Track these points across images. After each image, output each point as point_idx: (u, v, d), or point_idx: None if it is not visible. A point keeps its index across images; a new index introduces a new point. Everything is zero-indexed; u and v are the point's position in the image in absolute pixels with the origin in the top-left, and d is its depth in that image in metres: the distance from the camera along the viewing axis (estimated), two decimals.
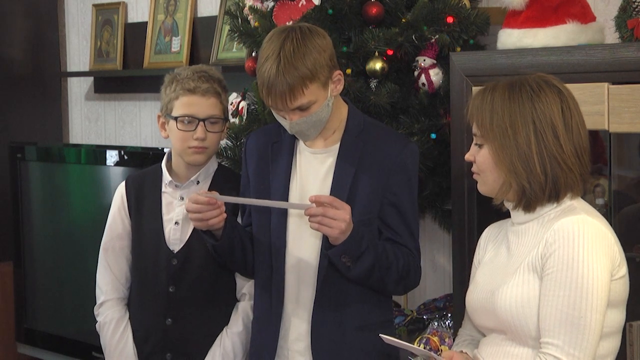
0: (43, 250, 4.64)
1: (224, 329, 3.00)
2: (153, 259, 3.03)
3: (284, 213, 2.77)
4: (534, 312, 2.25)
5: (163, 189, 3.04)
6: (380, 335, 2.41)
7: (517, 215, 2.36)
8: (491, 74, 2.86)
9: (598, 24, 3.01)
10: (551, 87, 2.23)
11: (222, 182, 3.04)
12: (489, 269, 2.46)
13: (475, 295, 2.45)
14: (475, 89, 2.90)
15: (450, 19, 3.20)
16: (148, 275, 3.05)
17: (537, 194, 2.25)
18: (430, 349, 2.64)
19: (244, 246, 2.81)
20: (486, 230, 2.61)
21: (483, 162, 2.33)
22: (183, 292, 3.00)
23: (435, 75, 3.21)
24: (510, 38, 2.99)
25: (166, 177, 3.02)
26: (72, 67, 5.31)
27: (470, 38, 3.29)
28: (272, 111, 2.74)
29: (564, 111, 2.20)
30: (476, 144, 2.34)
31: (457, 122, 3.05)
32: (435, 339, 2.72)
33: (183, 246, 2.99)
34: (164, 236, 3.00)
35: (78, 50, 5.27)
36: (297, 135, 2.75)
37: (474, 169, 2.37)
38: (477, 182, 2.40)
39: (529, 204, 2.28)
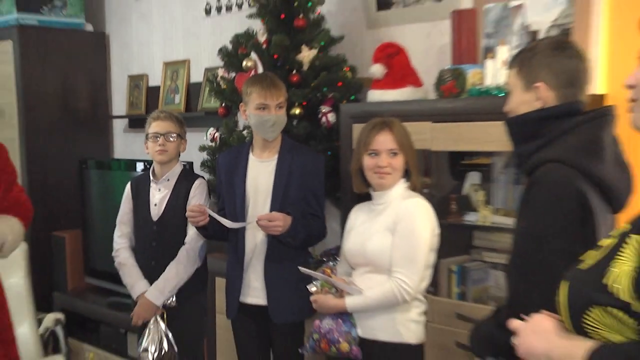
0: (97, 222, 5.30)
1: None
2: (143, 225, 3.65)
3: (242, 204, 3.34)
4: (389, 254, 2.81)
5: (150, 184, 3.66)
6: (299, 267, 3.05)
7: (384, 195, 2.92)
8: (365, 117, 3.29)
9: (424, 88, 3.54)
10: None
11: (183, 179, 3.63)
12: (360, 230, 2.96)
13: (351, 245, 2.97)
14: (354, 126, 3.47)
15: (339, 84, 3.75)
16: (141, 235, 3.68)
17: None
18: (323, 272, 2.98)
19: (218, 231, 3.35)
20: (354, 208, 3.12)
21: (396, 164, 2.87)
22: (160, 245, 3.60)
23: (331, 117, 3.73)
24: (374, 95, 3.54)
25: (151, 176, 3.65)
26: (115, 112, 6.01)
27: (352, 95, 3.81)
28: (259, 115, 3.24)
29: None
30: (394, 155, 2.86)
31: (344, 145, 3.56)
32: (328, 270, 2.99)
33: (158, 218, 3.60)
34: (149, 212, 3.62)
35: (119, 102, 6.00)
36: (269, 130, 3.27)
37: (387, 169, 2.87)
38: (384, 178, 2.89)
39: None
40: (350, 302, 2.80)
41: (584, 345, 1.41)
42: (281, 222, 3.15)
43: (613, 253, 1.44)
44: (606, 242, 1.55)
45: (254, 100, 3.26)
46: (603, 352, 1.37)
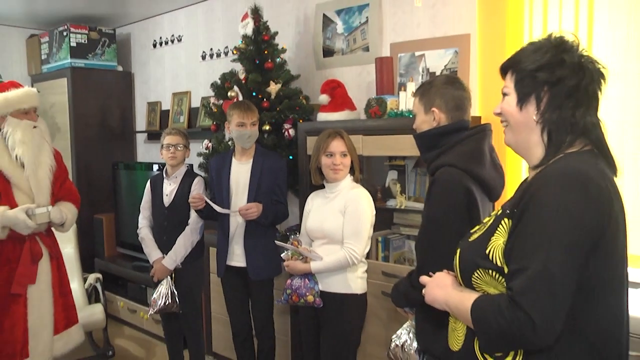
0: (125, 207, 5.25)
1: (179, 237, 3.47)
2: (158, 210, 3.58)
3: (227, 194, 3.30)
4: (341, 230, 2.78)
5: (164, 180, 3.59)
6: (275, 241, 3.07)
7: (335, 185, 2.87)
8: (316, 132, 3.31)
9: (358, 111, 3.55)
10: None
11: (187, 177, 3.55)
12: (317, 213, 2.92)
13: (311, 225, 2.92)
14: (308, 138, 3.44)
15: (297, 108, 3.74)
16: (156, 217, 3.60)
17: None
18: (292, 244, 2.87)
19: (211, 214, 3.32)
20: (310, 195, 3.07)
21: (346, 162, 2.83)
22: (169, 224, 3.53)
23: (292, 132, 3.69)
24: (322, 116, 3.54)
25: (164, 175, 3.59)
26: (138, 128, 5.90)
27: (306, 116, 3.79)
28: (238, 130, 3.21)
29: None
30: (344, 156, 2.82)
31: (301, 151, 3.53)
32: (296, 242, 2.88)
33: (169, 205, 3.53)
34: (162, 200, 3.55)
35: (140, 121, 5.91)
36: (246, 141, 3.24)
37: (340, 166, 2.83)
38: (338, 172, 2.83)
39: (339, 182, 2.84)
40: (314, 265, 2.78)
41: (470, 296, 1.42)
42: (255, 209, 3.17)
43: (491, 230, 1.44)
44: (486, 220, 1.58)
45: (235, 119, 3.24)
46: (483, 299, 1.39)
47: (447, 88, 2.18)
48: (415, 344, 2.25)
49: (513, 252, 1.33)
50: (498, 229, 1.42)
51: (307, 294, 2.77)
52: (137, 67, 5.95)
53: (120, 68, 5.85)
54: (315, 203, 2.98)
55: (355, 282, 2.81)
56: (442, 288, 1.54)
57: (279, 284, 3.56)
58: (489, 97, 3.01)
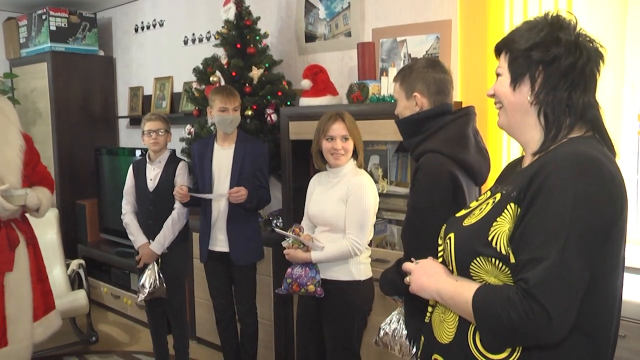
0: (108, 193, 5.17)
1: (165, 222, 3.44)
2: (143, 194, 3.52)
3: (210, 179, 3.27)
4: (342, 219, 2.67)
5: (147, 165, 3.54)
6: (275, 229, 3.00)
7: (338, 170, 2.73)
8: (298, 117, 3.43)
9: (340, 96, 3.56)
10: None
11: (171, 162, 3.51)
12: (319, 198, 2.79)
13: (312, 211, 2.80)
14: (291, 123, 3.45)
15: (280, 93, 3.74)
16: (141, 201, 3.54)
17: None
18: (294, 232, 2.72)
19: (194, 202, 3.31)
20: (314, 177, 2.90)
21: (347, 147, 2.69)
22: (155, 208, 3.49)
23: (274, 117, 3.70)
24: (304, 101, 3.53)
25: (147, 160, 3.54)
26: (120, 114, 5.83)
27: (288, 101, 3.79)
28: (221, 115, 3.18)
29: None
30: (345, 140, 2.68)
31: (283, 136, 3.53)
32: (297, 229, 2.74)
33: (154, 189, 3.49)
34: (147, 185, 3.51)
35: (123, 106, 5.82)
36: (228, 126, 3.22)
37: (341, 151, 2.69)
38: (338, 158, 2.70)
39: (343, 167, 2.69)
40: (315, 255, 2.66)
41: (470, 286, 1.31)
42: (244, 192, 3.16)
43: (494, 214, 1.33)
44: (475, 204, 1.47)
45: (217, 105, 3.21)
46: (486, 290, 1.28)
47: (428, 72, 2.12)
48: (405, 332, 2.20)
49: (523, 241, 1.22)
50: (503, 214, 1.30)
51: (308, 283, 2.67)
52: (118, 52, 5.86)
53: (101, 53, 5.77)
54: (317, 187, 2.85)
55: (357, 269, 2.69)
56: (431, 276, 1.42)
57: (262, 268, 3.59)
58: (470, 83, 3.02)
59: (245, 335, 3.45)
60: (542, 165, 1.24)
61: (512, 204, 1.28)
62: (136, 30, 5.60)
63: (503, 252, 1.26)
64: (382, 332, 2.25)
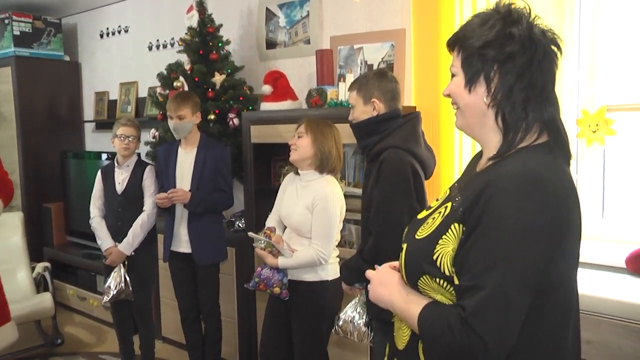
0: (74, 196, 5.15)
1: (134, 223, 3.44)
2: (112, 197, 3.52)
3: (174, 182, 3.30)
4: (307, 225, 2.65)
5: (115, 169, 3.53)
6: (248, 233, 2.85)
7: (306, 175, 2.70)
8: (259, 121, 3.43)
9: (299, 101, 3.59)
10: (331, 126, 2.70)
11: (138, 166, 3.52)
12: (288, 202, 2.77)
13: (282, 213, 2.78)
14: (253, 127, 3.43)
15: (241, 98, 3.76)
16: (110, 204, 3.54)
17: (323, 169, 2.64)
18: (266, 235, 2.71)
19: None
20: (287, 177, 2.88)
21: (301, 144, 2.64)
22: (124, 210, 3.49)
23: (236, 121, 3.69)
24: (265, 106, 3.54)
25: (115, 164, 3.54)
26: (86, 118, 5.78)
27: (250, 106, 3.80)
28: (169, 122, 3.21)
29: (336, 136, 2.68)
30: (299, 137, 2.65)
31: (245, 139, 3.53)
32: (268, 231, 2.73)
33: (122, 192, 3.49)
34: (115, 188, 3.51)
35: (88, 111, 5.79)
36: (174, 132, 3.24)
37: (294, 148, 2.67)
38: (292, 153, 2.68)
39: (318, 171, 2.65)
40: (282, 261, 2.66)
41: (418, 301, 1.26)
42: (180, 194, 3.18)
43: (440, 231, 1.26)
44: (434, 204, 1.42)
45: (168, 111, 3.26)
46: (431, 311, 1.22)
47: (382, 81, 2.36)
48: (362, 319, 2.33)
49: (465, 265, 1.17)
50: (447, 233, 1.23)
51: (275, 285, 2.67)
52: (84, 57, 5.82)
53: (67, 58, 5.72)
54: (288, 189, 2.83)
55: (324, 269, 2.69)
56: (386, 286, 1.36)
57: (225, 267, 3.60)
58: (424, 89, 3.08)
59: (209, 334, 3.45)
60: (487, 185, 1.17)
61: (456, 225, 1.22)
62: (101, 36, 5.57)
63: (447, 273, 1.21)
64: (341, 321, 2.41)
